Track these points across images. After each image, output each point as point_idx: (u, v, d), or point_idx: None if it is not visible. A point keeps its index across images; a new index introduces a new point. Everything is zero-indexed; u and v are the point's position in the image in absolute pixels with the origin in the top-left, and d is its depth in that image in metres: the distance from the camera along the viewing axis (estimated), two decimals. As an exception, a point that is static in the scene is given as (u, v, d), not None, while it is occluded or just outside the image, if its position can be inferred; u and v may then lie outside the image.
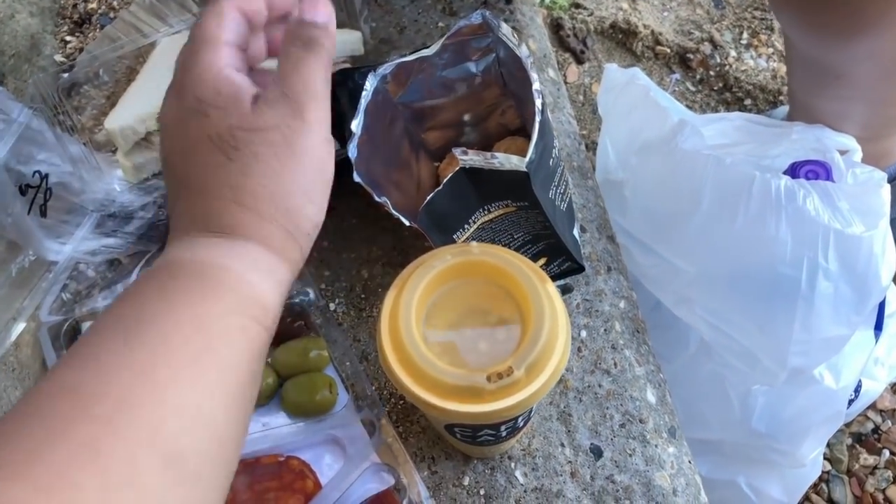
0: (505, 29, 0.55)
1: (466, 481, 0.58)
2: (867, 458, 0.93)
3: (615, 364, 0.62)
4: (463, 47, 0.58)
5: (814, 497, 0.91)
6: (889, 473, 0.92)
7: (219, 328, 0.37)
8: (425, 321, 0.44)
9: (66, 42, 0.84)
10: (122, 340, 0.35)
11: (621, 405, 0.61)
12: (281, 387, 0.60)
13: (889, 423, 0.95)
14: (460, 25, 0.56)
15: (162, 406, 0.34)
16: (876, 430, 0.95)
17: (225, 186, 0.41)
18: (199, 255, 0.40)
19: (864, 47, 0.64)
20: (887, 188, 0.63)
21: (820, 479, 0.92)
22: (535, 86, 0.52)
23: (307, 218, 0.42)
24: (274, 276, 0.41)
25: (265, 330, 0.40)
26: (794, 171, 0.64)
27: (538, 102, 0.51)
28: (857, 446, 0.94)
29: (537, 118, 0.51)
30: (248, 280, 0.40)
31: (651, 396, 0.62)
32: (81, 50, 0.83)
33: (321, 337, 0.62)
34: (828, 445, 0.93)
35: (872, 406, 0.94)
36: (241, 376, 0.37)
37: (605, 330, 0.64)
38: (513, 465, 0.58)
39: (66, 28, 0.85)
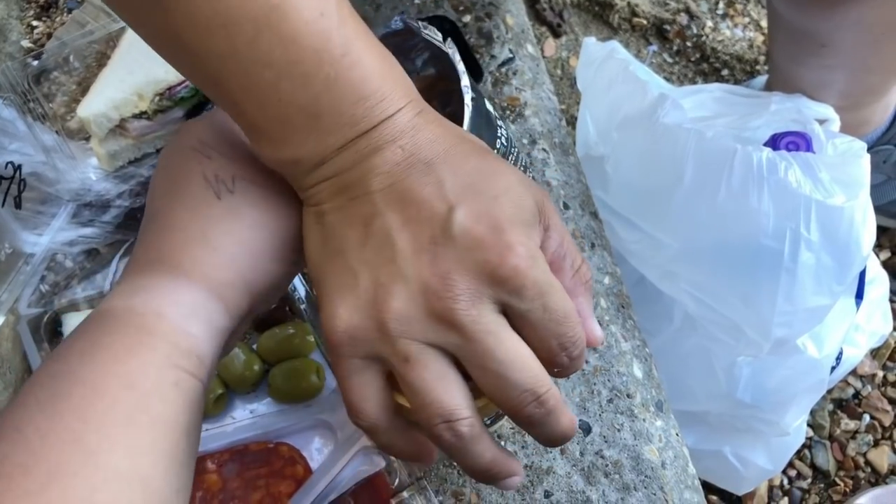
0: (429, 30, 0.54)
1: (457, 462, 0.58)
2: (848, 423, 0.95)
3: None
4: (400, 46, 0.57)
5: (797, 463, 0.93)
6: (870, 437, 0.94)
7: (150, 384, 0.36)
8: None
9: (33, 27, 0.82)
10: (50, 406, 0.34)
11: (608, 381, 0.61)
12: (267, 373, 0.60)
13: (869, 388, 0.97)
14: (384, 33, 0.55)
15: (95, 474, 0.32)
16: (856, 395, 0.97)
17: (199, 221, 0.40)
18: (135, 301, 0.38)
19: (851, 14, 0.65)
20: (867, 158, 0.63)
21: (802, 445, 0.94)
22: (464, 81, 0.52)
23: (269, 275, 0.41)
24: (212, 325, 0.39)
25: (200, 382, 0.38)
26: (774, 142, 0.64)
27: (467, 98, 0.52)
28: (839, 412, 0.96)
29: (467, 113, 0.51)
30: (183, 329, 0.38)
31: (638, 371, 0.62)
32: (49, 35, 0.81)
33: (306, 322, 0.61)
34: (810, 412, 0.94)
35: (853, 372, 0.96)
36: (176, 432, 0.36)
37: (591, 306, 0.64)
38: (503, 443, 0.58)
39: (32, 13, 0.83)
